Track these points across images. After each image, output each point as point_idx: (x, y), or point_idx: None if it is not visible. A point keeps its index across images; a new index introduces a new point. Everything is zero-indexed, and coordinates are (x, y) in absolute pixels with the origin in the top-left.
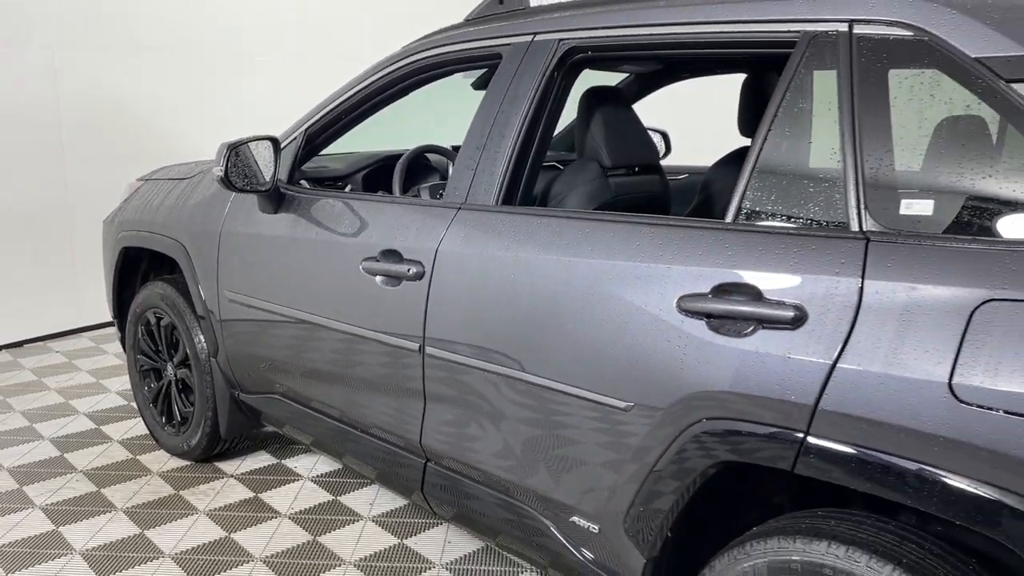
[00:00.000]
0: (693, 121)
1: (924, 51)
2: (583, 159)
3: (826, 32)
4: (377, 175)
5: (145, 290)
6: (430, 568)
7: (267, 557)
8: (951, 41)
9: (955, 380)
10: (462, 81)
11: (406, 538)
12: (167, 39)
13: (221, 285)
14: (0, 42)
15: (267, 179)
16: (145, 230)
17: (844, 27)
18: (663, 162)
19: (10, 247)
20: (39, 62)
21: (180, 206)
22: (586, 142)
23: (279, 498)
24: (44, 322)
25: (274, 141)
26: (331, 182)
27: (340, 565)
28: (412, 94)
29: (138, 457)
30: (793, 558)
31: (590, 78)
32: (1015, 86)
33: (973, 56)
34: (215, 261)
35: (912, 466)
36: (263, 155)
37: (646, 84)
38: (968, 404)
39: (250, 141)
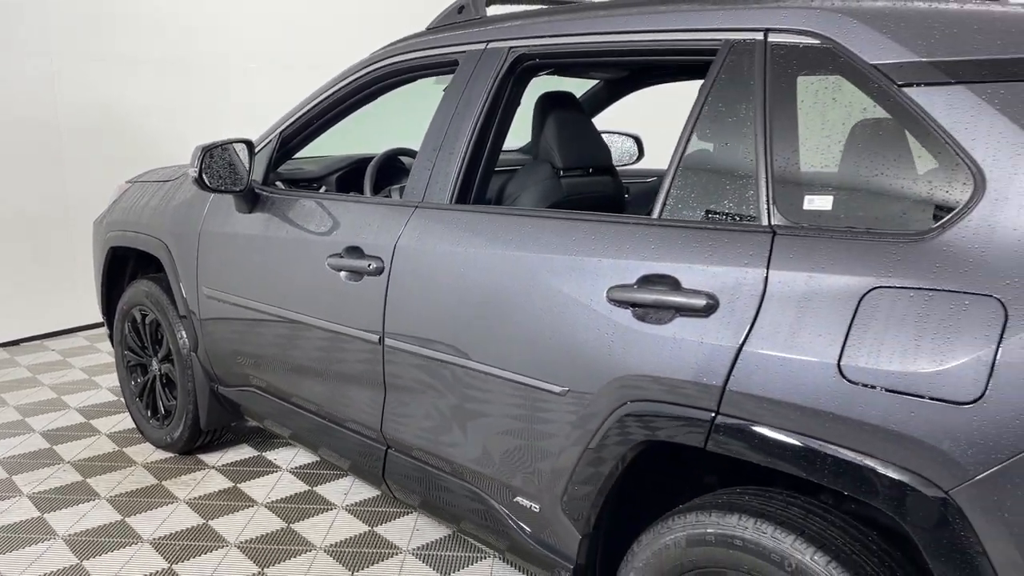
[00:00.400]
0: (671, 126)
1: (829, 58)
2: (537, 160)
3: (744, 40)
4: (351, 177)
5: (131, 288)
6: (397, 553)
7: (241, 542)
8: (852, 49)
9: (843, 361)
10: (436, 86)
11: (376, 525)
12: (162, 48)
13: (200, 282)
14: (0, 50)
15: (241, 180)
16: (131, 230)
17: (760, 36)
18: (636, 166)
19: (9, 248)
20: (38, 70)
21: (163, 207)
22: (540, 144)
23: (257, 488)
24: (41, 321)
25: (248, 144)
26: (306, 183)
27: (311, 551)
28: (390, 98)
29: (124, 449)
30: (708, 531)
31: (566, 85)
32: (906, 90)
33: (871, 63)
34: (195, 259)
35: (806, 441)
36: (238, 157)
37: (615, 90)
38: (854, 383)
39: (225, 144)
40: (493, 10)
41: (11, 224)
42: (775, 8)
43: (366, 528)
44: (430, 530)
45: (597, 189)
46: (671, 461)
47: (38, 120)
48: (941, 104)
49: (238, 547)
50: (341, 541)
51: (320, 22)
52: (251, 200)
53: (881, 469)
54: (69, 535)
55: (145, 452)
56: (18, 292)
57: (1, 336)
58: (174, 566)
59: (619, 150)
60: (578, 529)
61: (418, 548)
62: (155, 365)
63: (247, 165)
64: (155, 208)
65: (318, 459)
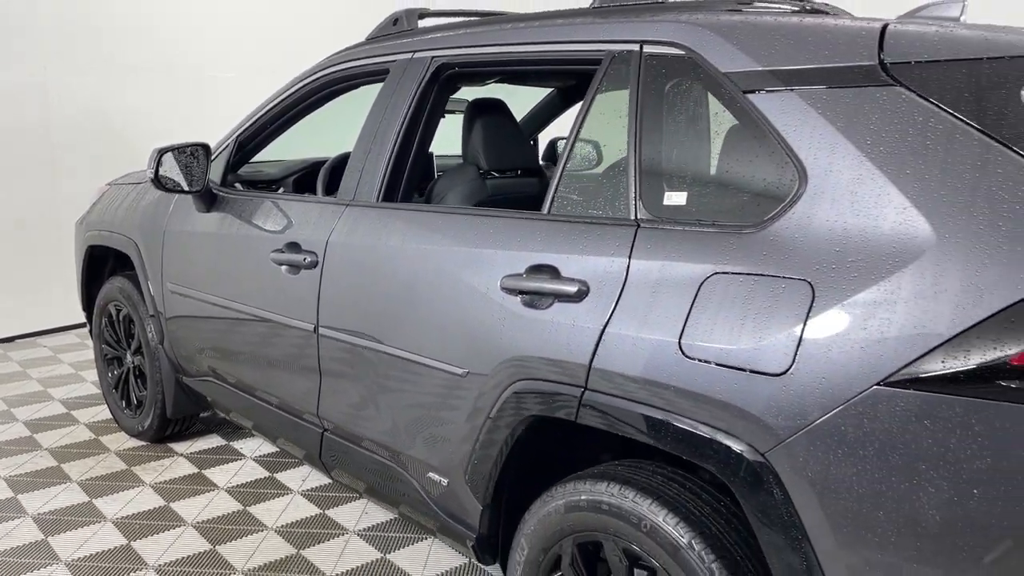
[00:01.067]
0: None
1: (690, 67)
2: (465, 163)
3: (623, 51)
4: (307, 179)
5: (107, 285)
6: (343, 534)
7: (198, 523)
8: (708, 58)
9: (683, 340)
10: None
11: (328, 509)
12: (149, 57)
13: (165, 277)
14: None
15: (197, 181)
16: (106, 230)
17: (636, 47)
18: (596, 170)
19: (4, 251)
20: (31, 79)
21: (134, 207)
22: (468, 147)
23: (220, 474)
24: (35, 319)
25: (205, 147)
26: (265, 185)
27: (262, 531)
28: (349, 104)
29: (100, 438)
30: (582, 498)
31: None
32: (748, 96)
33: (722, 71)
34: (160, 256)
35: (653, 413)
36: (194, 159)
37: (568, 97)
38: (691, 359)
39: (181, 147)
40: (429, 23)
41: (5, 226)
42: (650, 22)
43: (317, 511)
44: (378, 513)
45: (521, 190)
46: (573, 439)
47: (30, 126)
48: (775, 109)
49: (194, 527)
50: (292, 522)
51: (301, 32)
52: (208, 200)
53: (712, 436)
54: (38, 514)
55: (119, 440)
56: (12, 291)
57: None
58: (132, 543)
59: (579, 155)
60: (479, 500)
61: (364, 529)
62: (129, 358)
63: (203, 167)
64: (127, 209)
65: (279, 449)
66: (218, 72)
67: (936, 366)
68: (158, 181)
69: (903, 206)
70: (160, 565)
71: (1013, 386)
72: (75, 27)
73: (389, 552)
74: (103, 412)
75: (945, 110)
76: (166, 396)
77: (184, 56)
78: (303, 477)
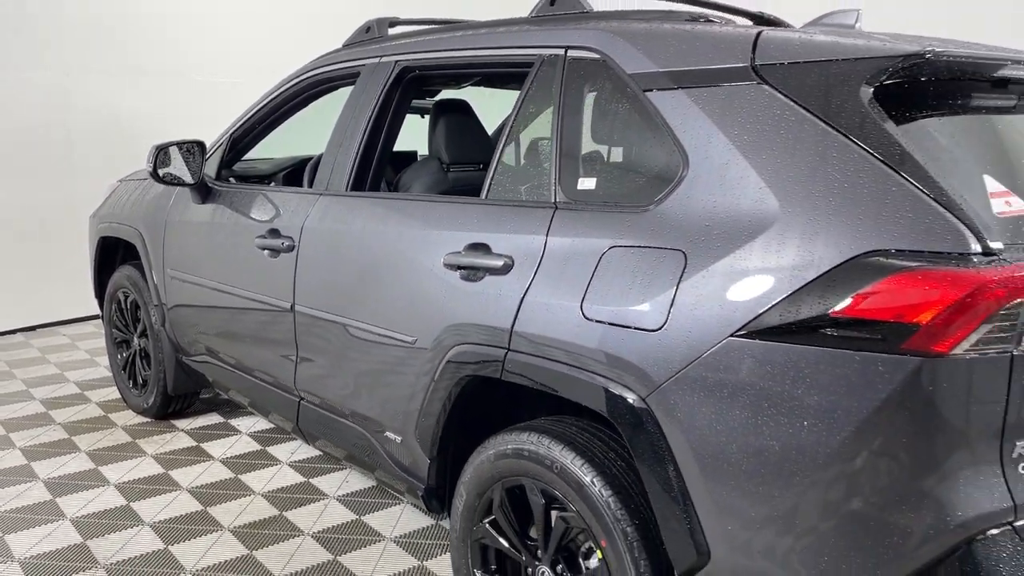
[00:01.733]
0: None
1: (603, 69)
2: (430, 156)
3: (551, 55)
4: (295, 174)
5: (117, 273)
6: (324, 499)
7: (192, 487)
8: (617, 61)
9: (584, 304)
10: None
11: (312, 478)
12: (163, 61)
13: (166, 264)
14: (19, 67)
15: (193, 174)
16: (115, 222)
17: (562, 52)
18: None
19: (27, 245)
20: (53, 83)
21: (140, 201)
22: (432, 142)
23: (217, 447)
24: (55, 310)
25: (200, 144)
26: (258, 180)
27: (249, 495)
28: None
29: (109, 415)
30: (508, 447)
31: None
32: (647, 94)
33: (628, 72)
34: (162, 244)
35: (561, 368)
36: (190, 155)
37: None
38: (589, 320)
39: (178, 143)
40: (399, 31)
41: (27, 222)
42: (573, 30)
43: (303, 479)
44: (357, 481)
45: (480, 180)
46: (514, 399)
47: (52, 127)
48: (666, 104)
49: (188, 491)
50: (278, 488)
51: (303, 39)
52: (204, 192)
53: (605, 385)
54: (48, 478)
55: (127, 417)
56: (34, 283)
57: (20, 322)
58: (131, 503)
59: (512, 147)
60: (427, 455)
61: (343, 495)
62: (135, 340)
63: (199, 162)
64: (134, 202)
65: (274, 425)
66: (226, 77)
67: (775, 319)
68: (156, 174)
69: (759, 186)
70: (154, 523)
71: (833, 334)
72: (94, 34)
73: (364, 515)
74: (113, 392)
75: (798, 103)
76: (167, 375)
77: (194, 62)
78: (292, 450)
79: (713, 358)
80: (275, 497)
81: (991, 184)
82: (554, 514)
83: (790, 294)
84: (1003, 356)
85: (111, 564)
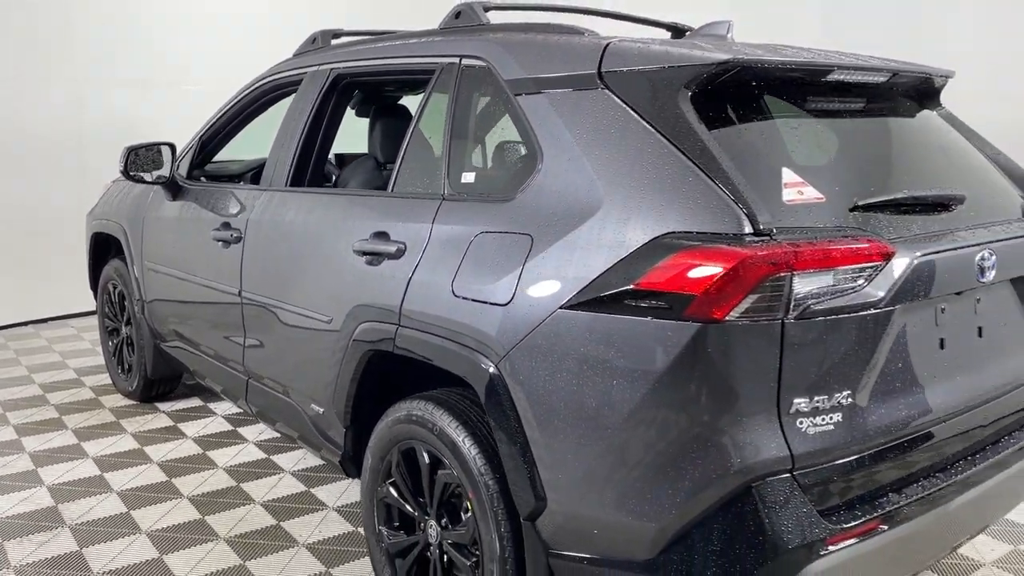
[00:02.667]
0: None
1: (488, 75)
2: (367, 155)
3: (449, 63)
4: (261, 173)
5: (107, 267)
6: (280, 473)
7: (162, 461)
8: (498, 68)
9: (454, 283)
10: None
11: (273, 455)
12: (170, 74)
13: (144, 257)
14: (36, 80)
15: (162, 173)
16: (105, 219)
17: (457, 60)
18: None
19: (40, 244)
20: (67, 94)
21: (125, 199)
22: (370, 143)
23: (192, 427)
24: (67, 304)
25: (171, 146)
26: (228, 179)
27: (213, 469)
28: None
29: (99, 398)
30: (402, 413)
31: None
32: (517, 98)
33: (505, 79)
34: (141, 239)
35: (435, 340)
36: (161, 156)
37: None
38: (457, 296)
39: (150, 145)
40: (343, 41)
41: (42, 222)
42: (468, 40)
43: (264, 456)
44: (313, 459)
45: None
46: (421, 373)
47: (66, 135)
48: (530, 107)
49: (158, 464)
50: (240, 464)
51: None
52: (174, 190)
53: (468, 355)
54: (34, 451)
55: (115, 400)
56: (46, 279)
57: (31, 315)
58: (104, 474)
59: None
60: (342, 423)
61: (298, 470)
62: (123, 329)
63: (169, 162)
64: (120, 200)
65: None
66: (225, 87)
67: (592, 293)
68: (126, 173)
69: (591, 178)
70: (122, 491)
71: (634, 304)
72: (105, 49)
73: (313, 487)
74: (107, 378)
75: (628, 105)
76: (147, 360)
77: (196, 74)
78: (261, 431)
79: (546, 328)
80: (236, 471)
81: (787, 176)
82: (439, 473)
83: (605, 271)
84: (774, 322)
85: (75, 525)
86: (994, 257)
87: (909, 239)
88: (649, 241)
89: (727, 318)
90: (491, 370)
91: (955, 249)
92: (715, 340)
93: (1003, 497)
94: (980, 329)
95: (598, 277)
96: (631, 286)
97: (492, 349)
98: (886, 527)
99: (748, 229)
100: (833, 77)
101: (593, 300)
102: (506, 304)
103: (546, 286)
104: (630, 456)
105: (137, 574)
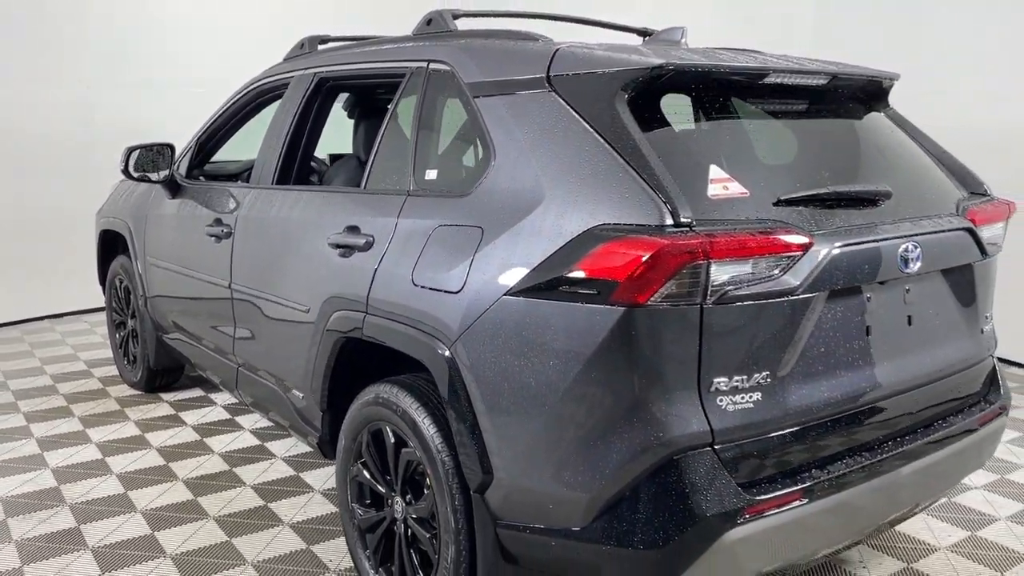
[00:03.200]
0: None
1: (451, 79)
2: (351, 155)
3: (418, 67)
4: None
5: (114, 262)
6: (272, 458)
7: (161, 447)
8: (460, 72)
9: (414, 273)
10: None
11: (267, 442)
12: (177, 75)
13: (146, 252)
14: (45, 82)
15: (161, 172)
16: (111, 217)
17: (425, 64)
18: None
19: (56, 240)
20: (79, 96)
21: (129, 198)
22: (353, 143)
23: (192, 416)
24: (81, 300)
25: (170, 146)
26: (226, 178)
27: (209, 454)
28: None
29: (107, 387)
30: (370, 396)
31: None
32: (475, 100)
33: (466, 82)
34: (143, 235)
35: (398, 326)
36: (160, 156)
37: None
38: (416, 285)
39: (149, 145)
40: (330, 47)
41: (55, 221)
42: (436, 46)
43: (258, 442)
44: (304, 447)
45: None
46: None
47: (76, 135)
48: (487, 108)
49: (157, 449)
50: (234, 450)
51: None
52: (174, 188)
53: (425, 340)
54: (41, 437)
55: (121, 390)
56: (62, 276)
57: (48, 310)
58: (106, 458)
59: (387, 144)
60: (319, 407)
61: (289, 456)
62: (129, 322)
63: (168, 161)
64: (125, 199)
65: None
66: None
67: (532, 280)
68: (126, 172)
69: (536, 175)
70: (121, 473)
71: (568, 290)
72: (113, 51)
73: (302, 472)
74: (114, 370)
75: (572, 107)
76: (150, 351)
77: (201, 75)
78: (256, 420)
79: (492, 313)
80: (230, 456)
81: (714, 172)
82: (403, 452)
83: (544, 259)
84: (693, 307)
85: (75, 504)
86: (919, 249)
87: (830, 232)
88: (582, 232)
89: (649, 302)
90: (445, 354)
91: (875, 241)
92: (639, 323)
93: (932, 480)
94: (910, 318)
95: (538, 266)
96: (565, 274)
97: (446, 334)
98: (805, 500)
99: (669, 221)
100: (769, 80)
101: (533, 287)
102: (458, 292)
103: (493, 275)
104: (565, 432)
105: (130, 548)
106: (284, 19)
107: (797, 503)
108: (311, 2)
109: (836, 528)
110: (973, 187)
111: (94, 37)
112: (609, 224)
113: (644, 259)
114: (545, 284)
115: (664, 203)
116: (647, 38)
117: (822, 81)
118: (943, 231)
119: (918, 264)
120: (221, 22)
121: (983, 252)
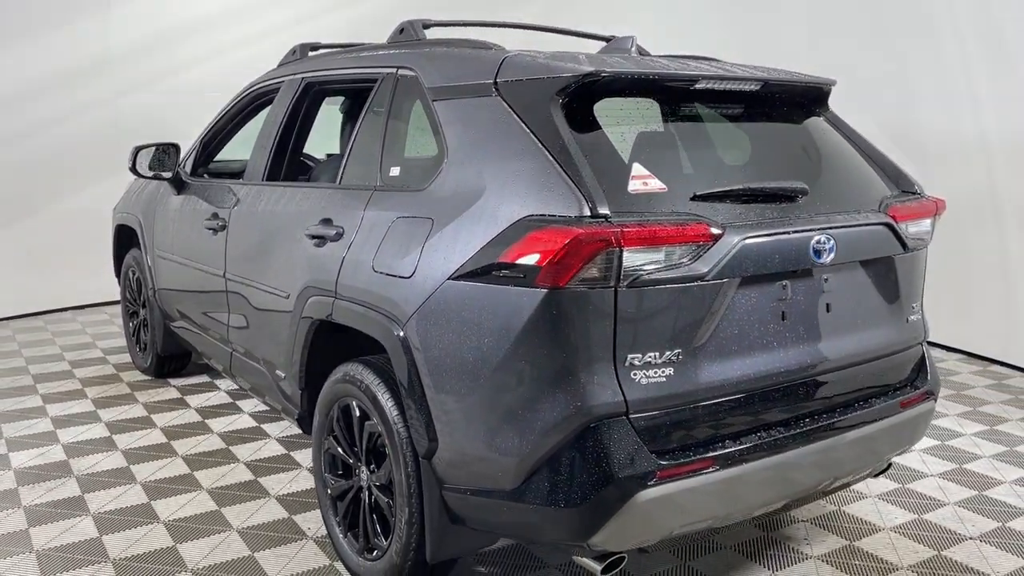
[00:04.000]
0: None
1: (416, 84)
2: (339, 154)
3: (388, 73)
4: None
5: (127, 256)
6: (267, 439)
7: (164, 427)
8: (422, 77)
9: (375, 261)
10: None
11: (263, 424)
12: (199, 78)
13: (155, 245)
14: (76, 86)
15: (167, 171)
16: (125, 212)
17: (395, 70)
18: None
19: (81, 235)
20: (105, 99)
21: (141, 194)
22: (341, 142)
23: (196, 399)
24: (104, 292)
25: (175, 146)
26: (229, 175)
27: (208, 434)
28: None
29: (120, 373)
30: (340, 374)
31: None
32: (434, 103)
33: (427, 86)
34: (152, 229)
35: (360, 309)
36: (166, 155)
37: None
38: (376, 272)
39: (155, 145)
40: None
41: (81, 217)
42: (404, 53)
43: (255, 424)
44: (296, 430)
45: None
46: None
47: (104, 136)
48: (443, 111)
49: (161, 429)
50: (232, 430)
51: None
52: (179, 186)
53: (382, 321)
54: (55, 416)
55: (133, 376)
56: (87, 269)
57: (71, 301)
58: (113, 436)
59: (360, 143)
60: (298, 386)
61: (283, 437)
62: (141, 311)
63: (174, 160)
64: (137, 196)
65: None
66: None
67: (471, 266)
68: (134, 170)
69: (479, 171)
70: (126, 449)
71: (500, 275)
72: (139, 59)
73: (293, 451)
74: (128, 357)
75: (513, 110)
76: (158, 338)
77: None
78: (256, 404)
79: (438, 296)
80: (228, 436)
81: (636, 169)
82: (367, 424)
83: (481, 247)
84: (608, 290)
85: (81, 476)
86: (832, 241)
87: (742, 224)
88: (513, 223)
89: (568, 285)
90: (399, 334)
91: (786, 233)
92: (559, 304)
93: (851, 454)
94: (828, 305)
95: (476, 253)
96: (498, 260)
97: (399, 317)
98: (716, 468)
99: (587, 212)
100: (701, 86)
101: (472, 272)
102: (409, 277)
103: (439, 261)
104: (497, 403)
105: (127, 515)
106: (293, 33)
107: (708, 470)
108: (328, 14)
109: (749, 495)
110: (904, 186)
111: (119, 45)
112: (536, 215)
113: (561, 246)
114: (481, 269)
115: (584, 197)
116: (604, 47)
117: (755, 87)
118: (859, 225)
119: (831, 255)
120: (240, 30)
121: (904, 246)
